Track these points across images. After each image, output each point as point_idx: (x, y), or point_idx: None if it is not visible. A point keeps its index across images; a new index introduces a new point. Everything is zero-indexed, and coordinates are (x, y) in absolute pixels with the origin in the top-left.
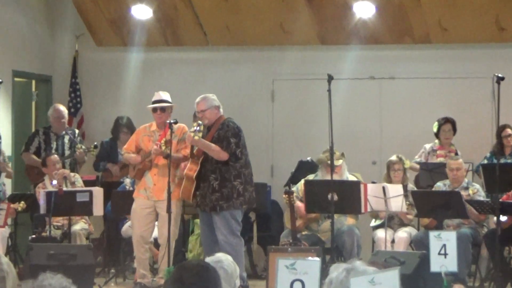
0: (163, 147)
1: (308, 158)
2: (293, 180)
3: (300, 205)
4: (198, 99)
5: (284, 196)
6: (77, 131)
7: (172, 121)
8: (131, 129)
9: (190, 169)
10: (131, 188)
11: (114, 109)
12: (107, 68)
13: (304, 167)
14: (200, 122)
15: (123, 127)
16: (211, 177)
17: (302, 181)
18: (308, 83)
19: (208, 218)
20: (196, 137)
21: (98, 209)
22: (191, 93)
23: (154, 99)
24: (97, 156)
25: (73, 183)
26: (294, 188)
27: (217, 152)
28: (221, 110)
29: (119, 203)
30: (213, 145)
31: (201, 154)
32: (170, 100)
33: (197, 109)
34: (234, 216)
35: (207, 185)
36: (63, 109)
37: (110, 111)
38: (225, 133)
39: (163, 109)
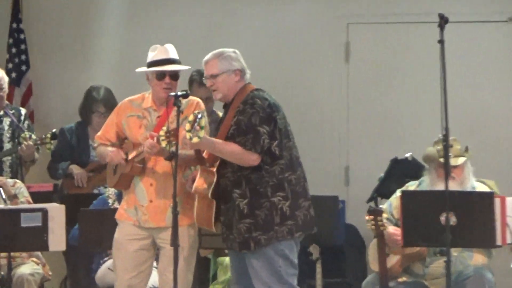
0: (164, 142)
1: (407, 155)
2: (382, 190)
3: (394, 232)
4: (207, 56)
5: (367, 218)
6: (22, 110)
7: (179, 93)
8: (110, 107)
9: (201, 182)
10: (115, 204)
11: (83, 75)
12: (71, 9)
13: (400, 170)
14: (198, 112)
15: (98, 104)
16: (235, 194)
17: (398, 193)
18: (403, 28)
19: (239, 259)
20: (195, 139)
21: (57, 240)
22: (205, 47)
23: (156, 57)
24: (54, 152)
25: (13, 197)
26: (384, 206)
27: (238, 155)
28: (248, 75)
29: (92, 230)
30: (229, 145)
31: (214, 158)
32: (178, 57)
33: (205, 74)
34: (282, 253)
35: (231, 208)
36: (0, 73)
37: (76, 78)
38: (249, 117)
39: (175, 76)
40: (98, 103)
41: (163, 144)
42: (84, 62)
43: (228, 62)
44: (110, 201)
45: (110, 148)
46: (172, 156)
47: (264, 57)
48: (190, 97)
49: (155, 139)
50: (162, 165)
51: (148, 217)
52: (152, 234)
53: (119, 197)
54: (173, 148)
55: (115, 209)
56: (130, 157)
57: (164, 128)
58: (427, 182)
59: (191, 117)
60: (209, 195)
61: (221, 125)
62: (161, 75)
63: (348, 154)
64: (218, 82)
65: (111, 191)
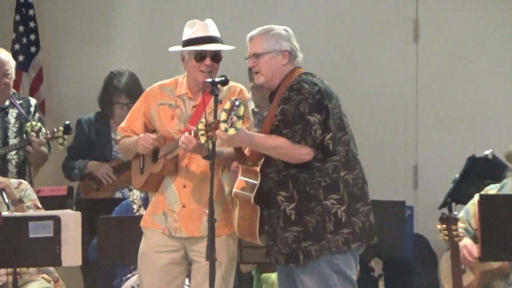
0: (203, 137)
1: (487, 152)
2: (458, 195)
3: (467, 250)
4: (253, 32)
5: (439, 227)
6: (32, 101)
7: (216, 79)
8: (134, 97)
9: (242, 185)
10: (140, 210)
11: (102, 58)
12: None
13: (479, 170)
14: (236, 98)
15: (119, 94)
16: (279, 197)
17: (476, 198)
18: (481, 3)
19: (288, 275)
20: (232, 131)
21: (71, 253)
22: (247, 25)
23: (195, 34)
24: (70, 148)
25: (19, 201)
26: (460, 213)
27: (285, 149)
28: (299, 59)
29: (114, 241)
30: (273, 138)
31: (257, 156)
32: (219, 35)
33: (248, 52)
34: (337, 268)
35: (275, 214)
36: (5, 56)
37: (94, 62)
38: (297, 105)
39: (217, 57)
40: (120, 92)
41: (202, 139)
42: (104, 43)
43: (275, 40)
44: (135, 207)
45: (136, 137)
46: (212, 155)
47: (317, 36)
48: (232, 83)
49: (192, 133)
50: (198, 164)
51: (180, 224)
52: (184, 246)
53: (145, 202)
54: (212, 144)
55: (141, 217)
56: (161, 153)
57: (203, 121)
58: (511, 185)
59: (227, 105)
60: (252, 200)
61: (265, 118)
62: (200, 56)
63: (417, 150)
64: (261, 63)
65: (136, 195)
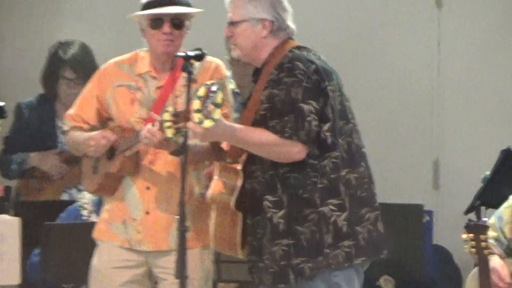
0: (170, 130)
1: None
2: (488, 196)
3: (501, 268)
4: None
5: (465, 236)
6: None
7: (190, 52)
8: (84, 72)
9: (219, 187)
10: (92, 217)
11: (52, 26)
12: None
13: None
14: (212, 82)
15: (64, 67)
16: (266, 202)
17: (510, 200)
18: None
19: None
20: (208, 123)
21: (8, 269)
22: None
23: None
24: (6, 139)
25: None
26: (491, 219)
27: (272, 146)
28: (289, 30)
29: (60, 254)
30: (258, 132)
31: (238, 152)
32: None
33: (228, 21)
34: (337, 287)
35: (261, 222)
36: None
37: (40, 31)
38: (287, 90)
39: (179, 23)
40: (64, 65)
41: (169, 133)
42: (54, 5)
43: (254, 6)
44: (86, 212)
45: (91, 133)
46: (180, 150)
47: (323, 6)
48: (207, 58)
49: (156, 124)
50: (165, 162)
51: (143, 235)
52: (148, 261)
53: (98, 207)
54: (182, 137)
55: (93, 224)
56: (118, 149)
57: (170, 109)
58: None
59: (201, 91)
60: (232, 204)
61: (247, 102)
62: (157, 21)
63: (439, 142)
64: (237, 34)
65: (87, 198)
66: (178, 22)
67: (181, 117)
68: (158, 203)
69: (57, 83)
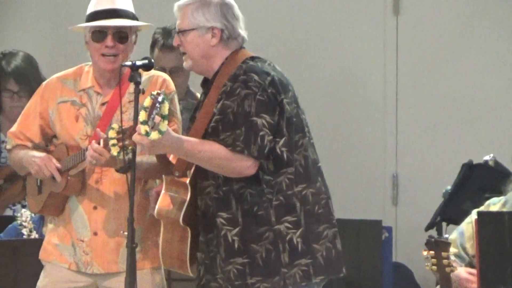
0: (115, 148)
1: (487, 158)
2: (449, 212)
3: (467, 278)
4: (179, 2)
5: (426, 254)
6: None
7: (137, 62)
8: (28, 84)
9: (167, 202)
10: (32, 235)
11: None
12: None
13: (477, 180)
14: (159, 93)
15: (8, 78)
16: (219, 220)
17: (474, 216)
18: None
19: None
20: (155, 135)
21: None
22: None
23: (96, 7)
24: None
25: None
26: (452, 235)
27: (222, 160)
28: (240, 39)
29: (5, 274)
30: (208, 145)
31: (186, 164)
32: (132, 10)
33: (176, 29)
34: None
35: (214, 240)
36: None
37: None
38: (240, 102)
39: (123, 36)
40: (7, 77)
41: (114, 151)
42: None
43: (203, 14)
44: (25, 231)
45: (35, 153)
46: (127, 167)
47: (277, 7)
48: (154, 72)
49: (101, 141)
50: (112, 180)
51: (91, 257)
52: (96, 282)
53: (38, 224)
54: (130, 154)
55: (37, 241)
56: (63, 168)
57: (115, 126)
58: None
59: (147, 101)
60: (180, 220)
61: (197, 114)
62: (99, 34)
63: (398, 155)
64: (186, 43)
65: (25, 216)
66: (122, 35)
67: (127, 134)
68: (106, 223)
69: (0, 96)
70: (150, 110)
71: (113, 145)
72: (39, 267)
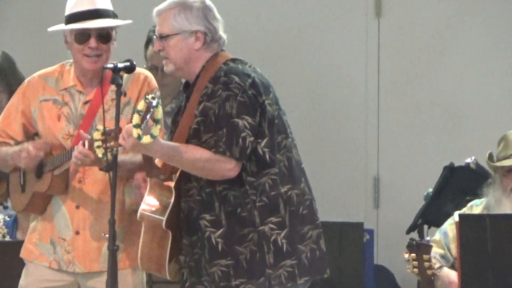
0: (100, 150)
1: (470, 160)
2: (431, 214)
3: (453, 280)
4: (160, 6)
5: (407, 256)
6: None
7: (119, 64)
8: (6, 82)
9: (150, 205)
10: (6, 236)
11: None
12: None
13: (459, 183)
14: (153, 97)
15: None
16: (203, 222)
17: (455, 217)
18: None
19: None
20: (147, 139)
21: None
22: None
23: (76, 9)
24: None
25: None
26: (436, 236)
27: (204, 163)
28: (222, 42)
29: None
30: (190, 149)
31: (172, 168)
32: (111, 7)
33: (156, 34)
34: None
35: (198, 242)
36: None
37: None
38: (222, 104)
39: (106, 37)
40: None
41: (99, 152)
42: None
43: (185, 18)
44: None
45: (19, 146)
46: (111, 166)
47: (259, 10)
48: (138, 70)
49: (86, 143)
50: (94, 180)
51: (72, 256)
52: (77, 281)
53: (12, 227)
54: (112, 154)
55: (13, 244)
56: (46, 168)
57: (100, 127)
58: (493, 201)
59: (141, 105)
60: (163, 224)
61: (180, 117)
62: (82, 36)
63: (379, 158)
64: (169, 47)
65: None
66: (104, 35)
67: (111, 136)
68: (88, 222)
69: None
70: (144, 114)
71: (98, 147)
72: (21, 267)
